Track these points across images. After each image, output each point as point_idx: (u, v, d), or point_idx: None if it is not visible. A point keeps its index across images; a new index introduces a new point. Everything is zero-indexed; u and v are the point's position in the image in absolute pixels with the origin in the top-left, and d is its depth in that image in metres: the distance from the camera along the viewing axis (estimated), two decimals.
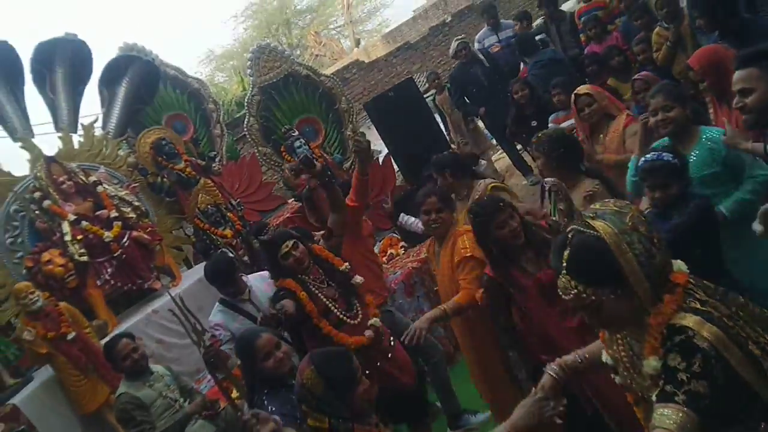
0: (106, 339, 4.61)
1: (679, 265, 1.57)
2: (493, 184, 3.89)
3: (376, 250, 5.58)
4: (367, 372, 3.25)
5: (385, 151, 7.67)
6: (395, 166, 7.63)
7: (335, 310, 3.44)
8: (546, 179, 3.36)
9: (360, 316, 3.48)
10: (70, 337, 4.89)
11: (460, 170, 4.01)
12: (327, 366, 2.16)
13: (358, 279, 3.58)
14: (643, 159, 2.76)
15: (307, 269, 3.51)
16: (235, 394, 4.02)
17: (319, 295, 3.44)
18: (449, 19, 16.08)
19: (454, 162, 4.09)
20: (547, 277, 2.69)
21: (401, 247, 6.17)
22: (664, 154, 2.71)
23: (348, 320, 3.44)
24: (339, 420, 2.10)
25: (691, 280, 1.55)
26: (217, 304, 4.25)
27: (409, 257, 5.81)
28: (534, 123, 5.77)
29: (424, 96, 8.30)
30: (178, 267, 6.72)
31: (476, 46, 7.95)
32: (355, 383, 2.16)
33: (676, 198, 2.64)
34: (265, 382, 2.86)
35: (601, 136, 4.11)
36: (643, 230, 1.52)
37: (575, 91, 4.22)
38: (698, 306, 1.48)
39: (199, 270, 6.04)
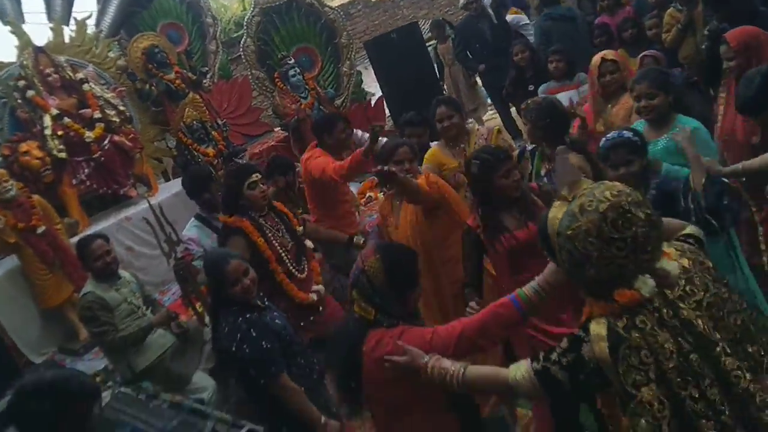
0: (78, 237, 4.60)
1: (640, 283, 1.53)
2: (498, 128, 3.92)
3: (354, 190, 5.61)
4: (301, 324, 3.39)
5: (379, 93, 7.60)
6: (386, 110, 7.59)
7: (287, 261, 3.55)
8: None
9: (306, 271, 3.61)
10: (39, 230, 4.85)
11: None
12: (393, 260, 2.10)
13: (309, 244, 3.68)
14: (604, 139, 2.78)
15: (263, 209, 3.59)
16: (199, 308, 4.09)
17: (274, 242, 3.52)
18: None
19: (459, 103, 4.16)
20: (524, 237, 2.73)
21: (381, 192, 6.20)
22: (624, 132, 2.75)
23: (296, 273, 3.57)
24: (386, 315, 2.06)
25: (654, 303, 1.53)
26: (193, 219, 4.26)
27: None
28: (531, 87, 5.72)
29: (427, 44, 8.16)
30: (156, 178, 6.67)
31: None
32: (413, 285, 2.12)
33: (637, 175, 2.67)
34: (232, 305, 2.89)
35: (610, 106, 4.04)
36: (579, 244, 1.52)
37: (602, 55, 4.09)
38: (620, 328, 1.51)
39: (176, 184, 6.01)
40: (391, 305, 2.06)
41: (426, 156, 3.91)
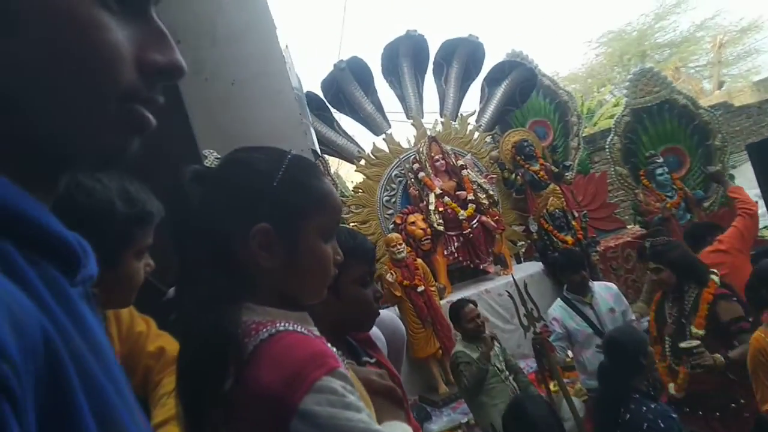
0: (446, 300, 5.20)
1: None
2: None
3: None
4: None
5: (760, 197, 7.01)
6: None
7: None
8: None
9: None
10: (420, 289, 5.60)
11: None
12: None
13: None
14: None
15: None
16: (553, 387, 4.26)
17: None
18: None
19: None
20: None
21: None
22: None
23: None
24: None
25: None
26: (558, 299, 4.51)
27: None
28: None
29: None
30: (510, 259, 7.16)
31: None
32: None
33: None
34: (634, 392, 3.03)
35: None
36: None
37: None
38: None
39: (528, 267, 6.41)
40: None
41: None
